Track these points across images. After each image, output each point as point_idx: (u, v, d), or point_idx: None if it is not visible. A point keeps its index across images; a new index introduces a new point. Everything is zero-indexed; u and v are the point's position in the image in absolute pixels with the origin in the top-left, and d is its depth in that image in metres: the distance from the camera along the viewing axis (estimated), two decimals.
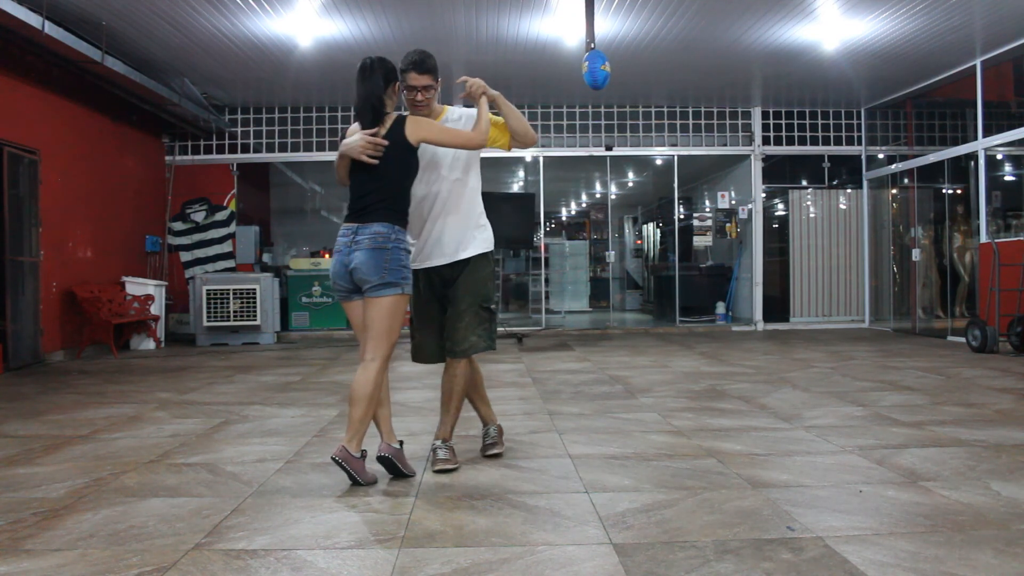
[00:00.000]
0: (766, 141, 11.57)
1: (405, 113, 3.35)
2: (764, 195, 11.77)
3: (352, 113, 3.63)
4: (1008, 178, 9.97)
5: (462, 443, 3.87)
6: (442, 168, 3.42)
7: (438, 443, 3.48)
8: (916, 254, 10.35)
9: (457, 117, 3.51)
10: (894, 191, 11.18)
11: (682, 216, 12.89)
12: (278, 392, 5.84)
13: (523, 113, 12.83)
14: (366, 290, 3.20)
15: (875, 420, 4.43)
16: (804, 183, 12.07)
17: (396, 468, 3.27)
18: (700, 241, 12.62)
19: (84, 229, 8.86)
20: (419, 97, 3.35)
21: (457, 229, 3.44)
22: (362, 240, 3.18)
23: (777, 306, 11.75)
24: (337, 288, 3.29)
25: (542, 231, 12.41)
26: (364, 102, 3.22)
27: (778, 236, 12.17)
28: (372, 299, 3.19)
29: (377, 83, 3.21)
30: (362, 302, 3.24)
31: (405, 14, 7.53)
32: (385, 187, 3.23)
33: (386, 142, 3.20)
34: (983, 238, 8.84)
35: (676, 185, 11.94)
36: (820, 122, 11.56)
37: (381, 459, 3.26)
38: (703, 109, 11.52)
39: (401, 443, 3.37)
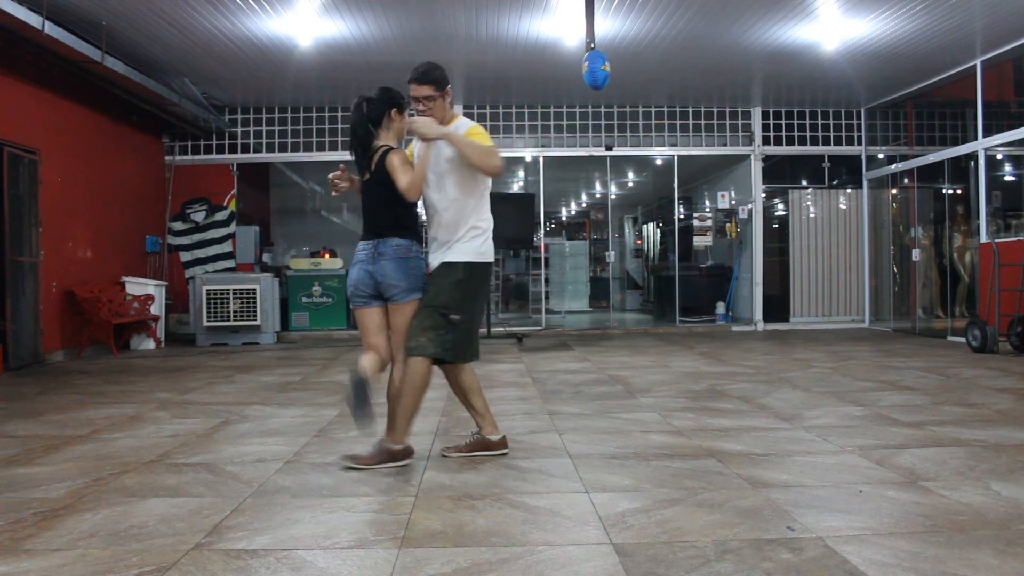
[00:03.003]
0: (766, 141, 11.57)
1: (393, 146, 3.50)
2: (764, 195, 11.78)
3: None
4: (1008, 178, 9.96)
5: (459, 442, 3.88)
6: (433, 182, 3.54)
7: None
8: (916, 254, 10.35)
9: (456, 127, 3.54)
10: (894, 191, 11.18)
11: (682, 216, 12.89)
12: (278, 392, 5.84)
13: (523, 113, 12.56)
14: (392, 296, 3.47)
15: (875, 420, 4.44)
16: (804, 183, 12.07)
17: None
18: (700, 241, 12.63)
19: (84, 229, 8.86)
20: (420, 107, 3.48)
21: (443, 239, 3.53)
22: (386, 251, 3.45)
23: (777, 306, 11.75)
24: (357, 294, 3.51)
25: (542, 231, 12.41)
26: (350, 137, 3.55)
27: (778, 236, 12.17)
28: (399, 305, 3.48)
29: (360, 119, 3.48)
30: (380, 309, 3.51)
31: (405, 14, 7.53)
32: (388, 210, 3.49)
33: (340, 179, 3.59)
34: (983, 238, 8.84)
35: (676, 185, 11.94)
36: (820, 122, 11.56)
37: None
38: (703, 109, 11.52)
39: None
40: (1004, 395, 5.23)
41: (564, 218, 19.99)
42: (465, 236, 3.49)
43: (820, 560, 2.32)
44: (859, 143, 11.58)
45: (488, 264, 3.58)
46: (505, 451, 3.69)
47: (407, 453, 3.52)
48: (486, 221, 3.57)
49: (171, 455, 3.79)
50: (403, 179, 3.38)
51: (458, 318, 3.45)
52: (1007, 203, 9.45)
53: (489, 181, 3.59)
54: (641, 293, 16.64)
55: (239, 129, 11.24)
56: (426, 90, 3.44)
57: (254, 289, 9.94)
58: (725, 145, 11.65)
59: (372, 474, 3.38)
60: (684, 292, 11.98)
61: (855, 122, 11.57)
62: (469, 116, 11.15)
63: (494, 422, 3.72)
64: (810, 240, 11.75)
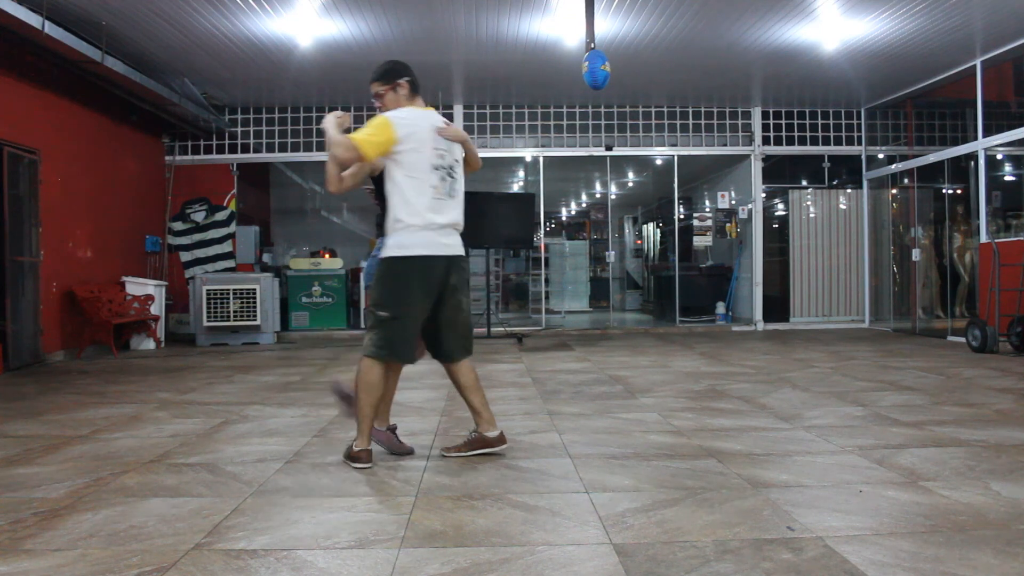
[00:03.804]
0: (766, 141, 11.57)
1: None
2: (764, 195, 11.78)
3: None
4: (1008, 178, 9.97)
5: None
6: None
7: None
8: (916, 254, 10.35)
9: None
10: (894, 191, 11.18)
11: (682, 216, 12.89)
12: (278, 392, 5.84)
13: (523, 113, 12.65)
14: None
15: (875, 420, 4.44)
16: (804, 183, 12.07)
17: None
18: (700, 241, 12.62)
19: (84, 229, 8.86)
20: (377, 104, 3.62)
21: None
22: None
23: (777, 306, 11.76)
24: None
25: (542, 231, 12.41)
26: None
27: (778, 236, 12.17)
28: None
29: None
30: None
31: (405, 14, 7.53)
32: (381, 210, 3.73)
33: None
34: (983, 238, 8.84)
35: (676, 185, 11.93)
36: (820, 122, 11.57)
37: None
38: (703, 109, 11.52)
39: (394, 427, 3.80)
40: (1004, 395, 5.23)
41: (564, 218, 19.99)
42: (391, 230, 3.48)
43: (820, 560, 2.32)
44: (859, 143, 11.58)
45: (409, 258, 3.41)
46: (503, 447, 3.67)
47: (363, 457, 3.47)
48: (412, 215, 3.40)
49: (171, 455, 3.79)
50: None
51: (385, 315, 3.43)
52: (1007, 203, 9.45)
53: (412, 172, 3.40)
54: (641, 293, 16.64)
55: (239, 129, 11.24)
56: (375, 87, 3.58)
57: (254, 289, 9.94)
58: (725, 145, 11.65)
59: (372, 474, 3.38)
60: (684, 292, 11.98)
61: (855, 122, 11.57)
62: (469, 116, 11.19)
63: (491, 419, 3.68)
64: (810, 240, 11.75)
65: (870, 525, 2.63)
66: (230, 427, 4.49)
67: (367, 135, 3.35)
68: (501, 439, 3.68)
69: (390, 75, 3.56)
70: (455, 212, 3.55)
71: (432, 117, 3.56)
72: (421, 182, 3.42)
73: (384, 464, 3.54)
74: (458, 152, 3.61)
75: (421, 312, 3.49)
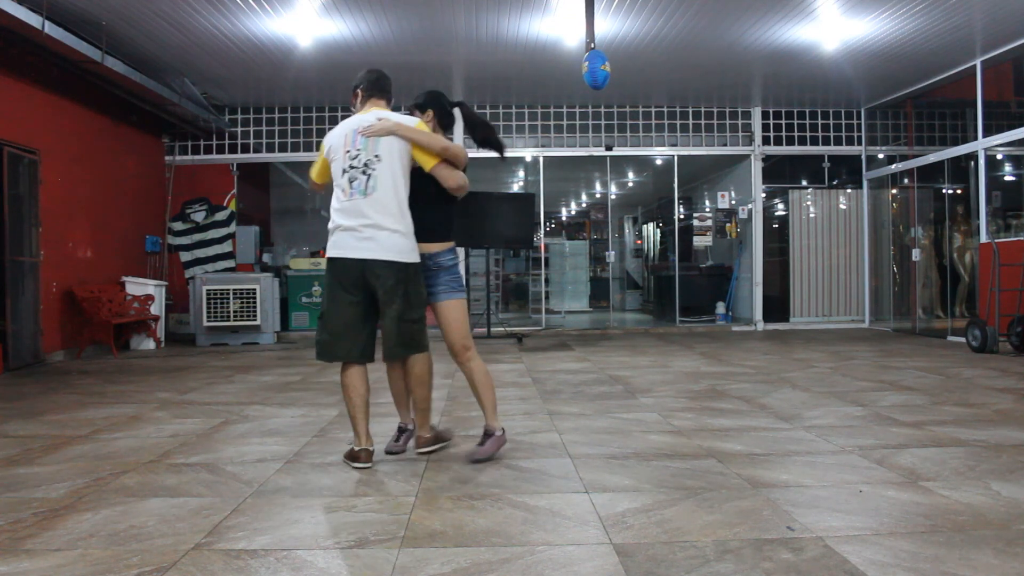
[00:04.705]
0: (766, 141, 11.57)
1: None
2: (764, 195, 11.78)
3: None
4: (1008, 178, 9.97)
5: (464, 443, 3.88)
6: None
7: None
8: (916, 254, 10.35)
9: None
10: (894, 191, 11.18)
11: (682, 216, 12.89)
12: (278, 392, 5.84)
13: (523, 113, 12.69)
14: None
15: (875, 420, 4.44)
16: (804, 183, 12.07)
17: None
18: (700, 241, 12.62)
19: (84, 229, 8.86)
20: None
21: None
22: None
23: (777, 306, 11.76)
24: None
25: (542, 231, 12.40)
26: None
27: (778, 236, 12.17)
28: None
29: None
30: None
31: (405, 14, 7.53)
32: None
33: None
34: (983, 238, 8.84)
35: (676, 185, 11.94)
36: (820, 122, 11.57)
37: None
38: (703, 109, 11.52)
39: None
40: (1004, 395, 5.23)
41: (564, 218, 19.99)
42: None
43: (820, 560, 2.32)
44: (859, 143, 11.58)
45: (327, 259, 3.54)
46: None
47: (362, 457, 3.49)
48: (330, 221, 3.51)
49: (171, 455, 3.79)
50: None
51: (321, 316, 3.60)
52: (1007, 203, 9.45)
53: (333, 181, 3.52)
54: (641, 293, 16.64)
55: (239, 129, 11.24)
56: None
57: (254, 289, 9.94)
58: (725, 145, 11.65)
59: (372, 474, 3.39)
60: (684, 292, 11.98)
61: (855, 122, 11.57)
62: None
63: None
64: (810, 240, 11.75)
65: (870, 525, 2.63)
66: (230, 427, 4.49)
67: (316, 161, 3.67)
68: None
69: (353, 91, 3.68)
70: (371, 211, 3.39)
71: (355, 121, 3.52)
72: (336, 187, 3.53)
73: (384, 464, 3.55)
74: (383, 147, 3.42)
75: (344, 311, 3.47)
